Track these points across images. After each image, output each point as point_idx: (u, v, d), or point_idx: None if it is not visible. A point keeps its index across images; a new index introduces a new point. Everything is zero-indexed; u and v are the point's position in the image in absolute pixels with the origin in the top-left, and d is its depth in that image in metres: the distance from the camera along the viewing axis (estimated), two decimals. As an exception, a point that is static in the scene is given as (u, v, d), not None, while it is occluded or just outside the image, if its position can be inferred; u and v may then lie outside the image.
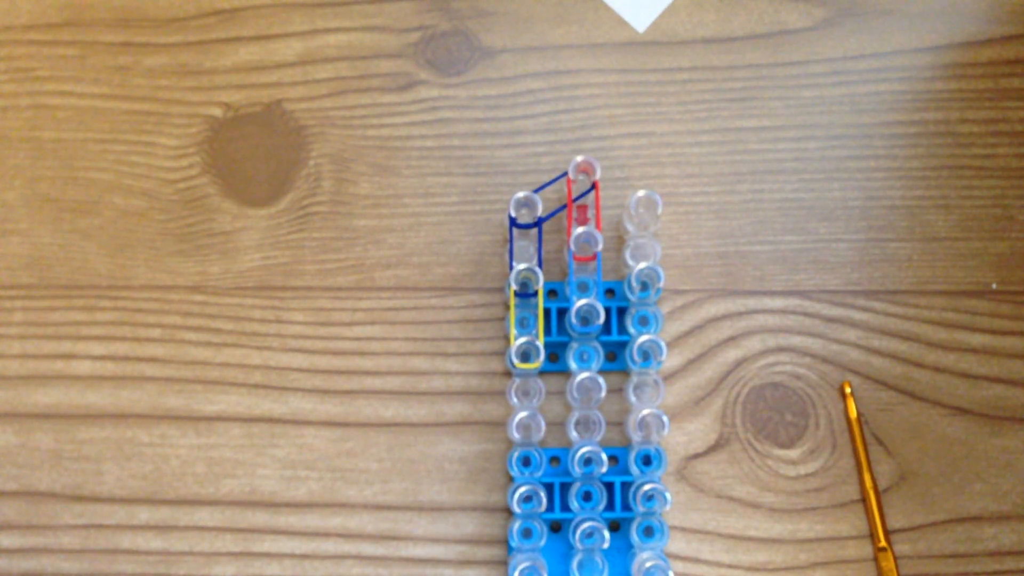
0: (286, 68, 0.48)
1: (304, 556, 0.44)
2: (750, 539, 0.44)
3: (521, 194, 0.43)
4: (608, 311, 0.44)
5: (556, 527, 0.43)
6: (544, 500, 0.41)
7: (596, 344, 0.43)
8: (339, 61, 0.48)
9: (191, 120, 0.47)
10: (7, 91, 0.48)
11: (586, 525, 0.41)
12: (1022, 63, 0.48)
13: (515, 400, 0.43)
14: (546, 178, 0.46)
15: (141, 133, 0.47)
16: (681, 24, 0.48)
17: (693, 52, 0.48)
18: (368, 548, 0.44)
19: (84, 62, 0.48)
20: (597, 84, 0.47)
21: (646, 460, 0.43)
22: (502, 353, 0.45)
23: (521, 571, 0.41)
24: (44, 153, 0.47)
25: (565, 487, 0.43)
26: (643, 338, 0.42)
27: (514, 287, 0.42)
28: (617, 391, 0.44)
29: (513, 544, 0.42)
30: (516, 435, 0.42)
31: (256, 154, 0.47)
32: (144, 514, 0.44)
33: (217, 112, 0.47)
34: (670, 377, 0.45)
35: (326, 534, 0.44)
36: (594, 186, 0.43)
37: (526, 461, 0.43)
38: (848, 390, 0.45)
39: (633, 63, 0.48)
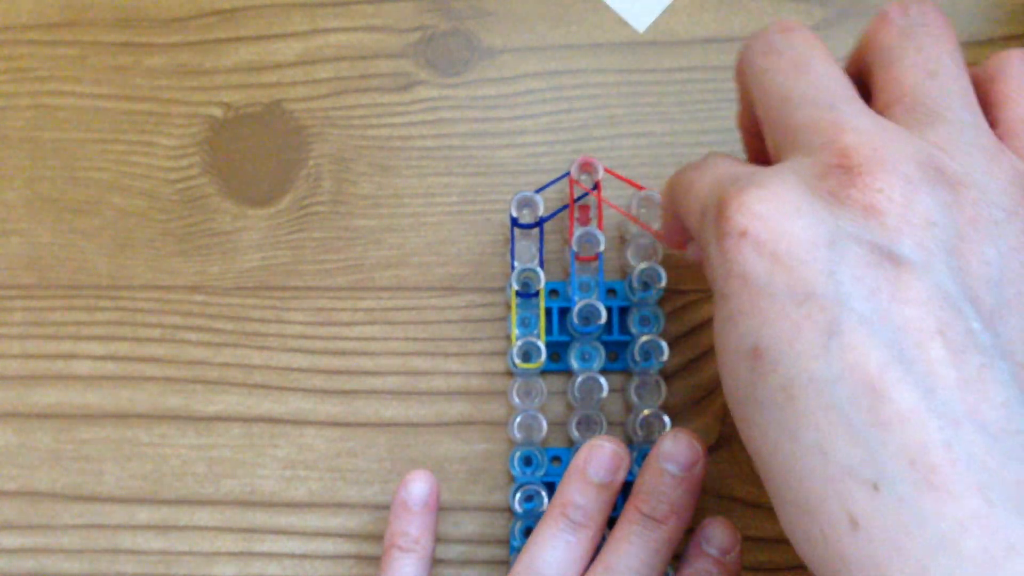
0: (286, 68, 0.48)
1: (304, 556, 0.44)
2: (750, 539, 0.44)
3: (523, 194, 0.43)
4: (610, 311, 0.44)
5: (557, 527, 0.43)
6: (545, 500, 0.41)
7: (597, 344, 0.43)
8: (339, 61, 0.48)
9: (191, 120, 0.47)
10: (7, 91, 0.48)
11: (587, 525, 0.41)
12: (1021, 63, 0.48)
13: (516, 400, 0.43)
14: (546, 178, 0.46)
15: (141, 133, 0.47)
16: (681, 24, 0.48)
17: (693, 52, 0.48)
18: (368, 548, 0.44)
19: (84, 62, 0.48)
20: (597, 84, 0.47)
21: (647, 460, 0.43)
22: (503, 353, 0.45)
23: (522, 571, 0.41)
24: (44, 153, 0.47)
25: (566, 487, 0.43)
26: (644, 338, 0.42)
27: (515, 287, 0.42)
28: (618, 391, 0.44)
29: (514, 544, 0.42)
30: (517, 435, 0.42)
31: (256, 154, 0.47)
32: (144, 514, 0.44)
33: (217, 112, 0.47)
34: (671, 377, 0.45)
35: (326, 534, 0.44)
36: (596, 186, 0.44)
37: (527, 461, 0.43)
38: (848, 390, 0.45)
39: (633, 63, 0.48)
